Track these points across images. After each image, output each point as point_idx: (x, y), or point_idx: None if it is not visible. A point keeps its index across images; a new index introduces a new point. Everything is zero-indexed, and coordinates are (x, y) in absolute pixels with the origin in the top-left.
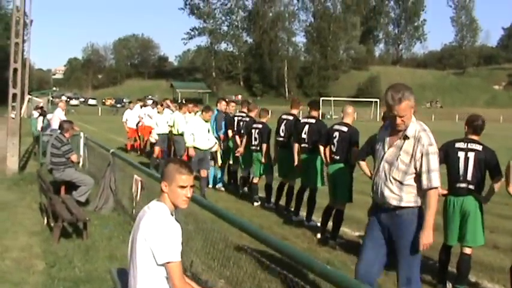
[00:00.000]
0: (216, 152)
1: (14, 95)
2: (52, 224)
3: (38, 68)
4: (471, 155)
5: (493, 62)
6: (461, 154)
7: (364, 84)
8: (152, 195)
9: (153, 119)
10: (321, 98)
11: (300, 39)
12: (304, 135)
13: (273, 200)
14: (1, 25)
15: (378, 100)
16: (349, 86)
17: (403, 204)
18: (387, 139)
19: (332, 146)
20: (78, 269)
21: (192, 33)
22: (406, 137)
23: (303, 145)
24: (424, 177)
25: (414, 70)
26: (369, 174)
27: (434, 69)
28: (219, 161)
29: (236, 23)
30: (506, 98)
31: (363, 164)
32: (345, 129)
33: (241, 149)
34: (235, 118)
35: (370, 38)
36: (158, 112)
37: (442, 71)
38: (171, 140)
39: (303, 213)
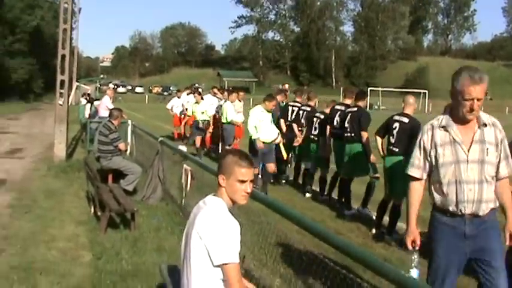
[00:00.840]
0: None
1: (62, 82)
2: (99, 214)
3: (86, 56)
4: None
5: None
6: None
7: (412, 75)
8: (203, 187)
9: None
10: (369, 88)
11: (348, 28)
12: (346, 124)
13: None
14: (50, 13)
15: (426, 91)
16: (397, 77)
17: (496, 205)
18: (459, 138)
19: (391, 138)
20: (126, 261)
21: (240, 21)
22: (484, 125)
23: (346, 134)
24: (504, 163)
25: (463, 61)
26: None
27: (484, 60)
28: (284, 154)
29: (283, 12)
30: None
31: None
32: (405, 120)
33: (300, 139)
34: (289, 108)
35: (419, 28)
36: (196, 102)
37: (491, 62)
38: (220, 128)
39: (355, 206)
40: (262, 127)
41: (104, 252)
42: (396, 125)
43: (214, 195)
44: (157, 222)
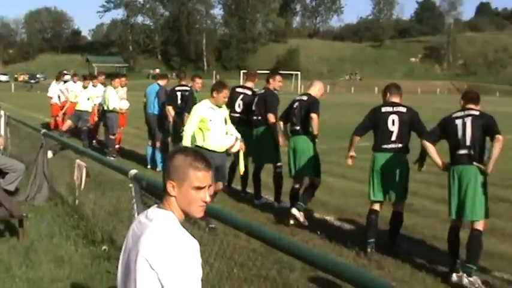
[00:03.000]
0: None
1: None
2: None
3: None
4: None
5: (407, 35)
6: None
7: (283, 57)
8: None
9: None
10: (241, 71)
11: (219, 11)
12: (254, 108)
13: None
14: None
15: (298, 73)
16: (268, 59)
17: None
18: None
19: (294, 118)
20: (20, 279)
21: (108, 5)
22: None
23: (253, 118)
24: None
25: (332, 43)
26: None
27: (351, 41)
28: (241, 167)
29: None
30: (422, 71)
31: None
32: (305, 98)
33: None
34: (177, 93)
35: (288, 10)
36: (84, 87)
37: (359, 43)
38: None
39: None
40: (212, 130)
41: None
42: (296, 104)
43: (159, 207)
44: (48, 227)
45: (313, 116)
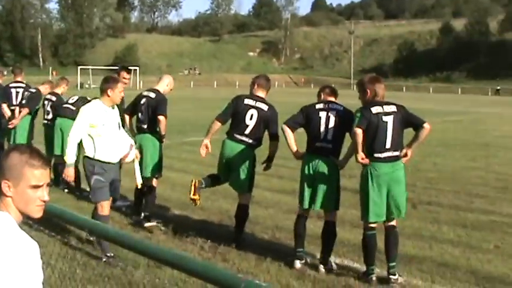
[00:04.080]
0: None
1: None
2: None
3: None
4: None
5: (246, 30)
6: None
7: (122, 52)
8: None
9: None
10: (78, 67)
11: (54, 6)
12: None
13: None
14: None
15: (137, 68)
16: (106, 54)
17: None
18: None
19: (140, 114)
20: None
21: None
22: None
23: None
24: None
25: (171, 37)
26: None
27: (190, 36)
28: (138, 180)
29: None
30: (260, 64)
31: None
32: (153, 95)
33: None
34: (12, 89)
35: (126, 5)
36: None
37: (197, 38)
38: None
39: None
40: (104, 136)
41: None
42: (144, 100)
43: None
44: None
45: (161, 118)
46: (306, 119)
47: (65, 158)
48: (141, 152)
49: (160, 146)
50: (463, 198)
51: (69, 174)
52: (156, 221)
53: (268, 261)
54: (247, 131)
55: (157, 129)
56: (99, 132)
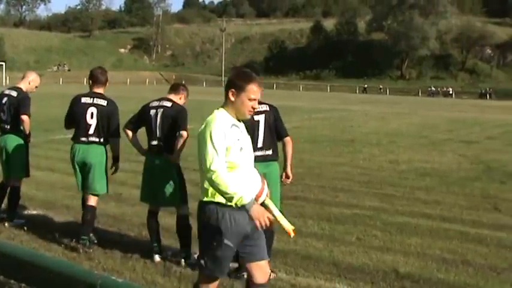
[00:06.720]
0: None
1: None
2: None
3: None
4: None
5: (117, 26)
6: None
7: None
8: None
9: None
10: None
11: None
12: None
13: None
14: None
15: (3, 63)
16: None
17: None
18: None
19: (2, 114)
20: None
21: None
22: None
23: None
24: None
25: (40, 32)
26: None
27: (59, 32)
28: None
29: None
30: (131, 61)
31: None
32: (14, 93)
33: None
34: None
35: None
36: None
37: (67, 33)
38: None
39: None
40: None
41: None
42: (5, 99)
43: None
44: None
45: (24, 118)
46: (141, 118)
47: None
48: (6, 154)
49: (26, 146)
50: (329, 193)
51: None
52: (19, 220)
53: (134, 258)
54: (91, 131)
55: (21, 128)
56: None
